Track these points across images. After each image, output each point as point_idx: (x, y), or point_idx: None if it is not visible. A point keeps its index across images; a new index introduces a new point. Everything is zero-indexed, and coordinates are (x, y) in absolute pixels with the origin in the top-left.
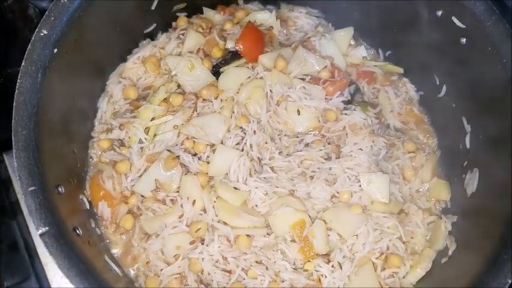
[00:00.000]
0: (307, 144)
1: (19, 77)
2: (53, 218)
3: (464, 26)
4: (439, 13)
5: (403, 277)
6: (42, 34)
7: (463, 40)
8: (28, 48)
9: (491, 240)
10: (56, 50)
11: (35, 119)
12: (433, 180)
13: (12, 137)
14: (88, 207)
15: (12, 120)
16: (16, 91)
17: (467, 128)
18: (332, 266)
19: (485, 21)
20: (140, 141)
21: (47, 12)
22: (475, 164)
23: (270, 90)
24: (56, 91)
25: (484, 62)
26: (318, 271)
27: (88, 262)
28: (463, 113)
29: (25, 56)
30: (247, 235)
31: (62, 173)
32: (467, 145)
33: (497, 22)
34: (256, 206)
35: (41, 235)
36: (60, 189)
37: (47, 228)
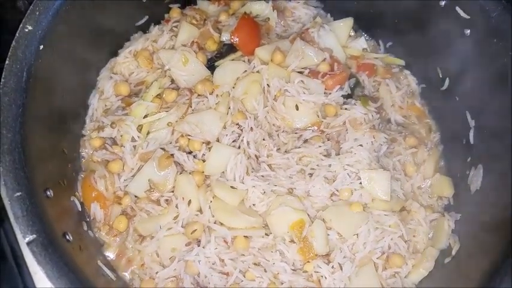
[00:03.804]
0: (306, 141)
1: (3, 76)
2: (40, 225)
3: (468, 17)
4: (443, 3)
5: (405, 277)
6: (26, 30)
7: (467, 31)
8: (12, 46)
9: (497, 239)
10: (41, 47)
11: (20, 120)
12: (436, 176)
13: None
14: (80, 209)
15: None
16: (0, 91)
17: (471, 122)
18: (332, 267)
19: (490, 12)
20: (133, 140)
21: (31, 7)
22: (480, 161)
23: (267, 84)
24: (43, 90)
25: (489, 54)
26: (317, 272)
27: (78, 270)
28: (467, 107)
29: (9, 53)
30: (244, 236)
31: (51, 176)
32: (471, 140)
33: (503, 13)
34: (253, 205)
35: (28, 243)
36: (48, 193)
37: (35, 236)
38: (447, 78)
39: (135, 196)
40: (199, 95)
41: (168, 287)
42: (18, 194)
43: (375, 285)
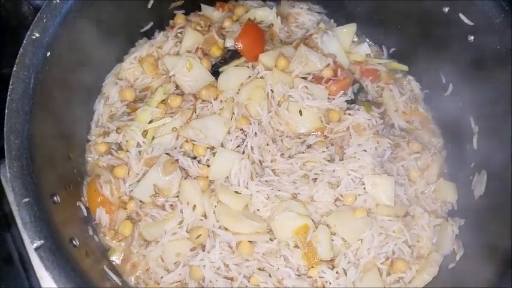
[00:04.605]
0: (309, 146)
1: (11, 82)
2: (48, 231)
3: (472, 23)
4: (446, 9)
5: (409, 282)
6: (34, 37)
7: (471, 38)
8: (20, 52)
9: (501, 245)
10: (48, 53)
11: (28, 127)
12: (439, 182)
13: (5, 146)
14: (86, 214)
15: (4, 129)
16: (8, 98)
17: (475, 128)
18: (337, 272)
19: (494, 18)
20: (138, 145)
21: (38, 14)
22: (483, 166)
23: (271, 90)
24: (49, 95)
25: (492, 60)
26: (322, 277)
27: (85, 275)
28: (470, 112)
29: (16, 60)
30: (249, 241)
31: (57, 181)
32: (475, 146)
33: (506, 19)
34: (258, 210)
35: (36, 249)
36: (55, 198)
37: (43, 241)
38: (450, 84)
39: (140, 201)
40: (203, 100)
41: None
42: (26, 200)
43: None
